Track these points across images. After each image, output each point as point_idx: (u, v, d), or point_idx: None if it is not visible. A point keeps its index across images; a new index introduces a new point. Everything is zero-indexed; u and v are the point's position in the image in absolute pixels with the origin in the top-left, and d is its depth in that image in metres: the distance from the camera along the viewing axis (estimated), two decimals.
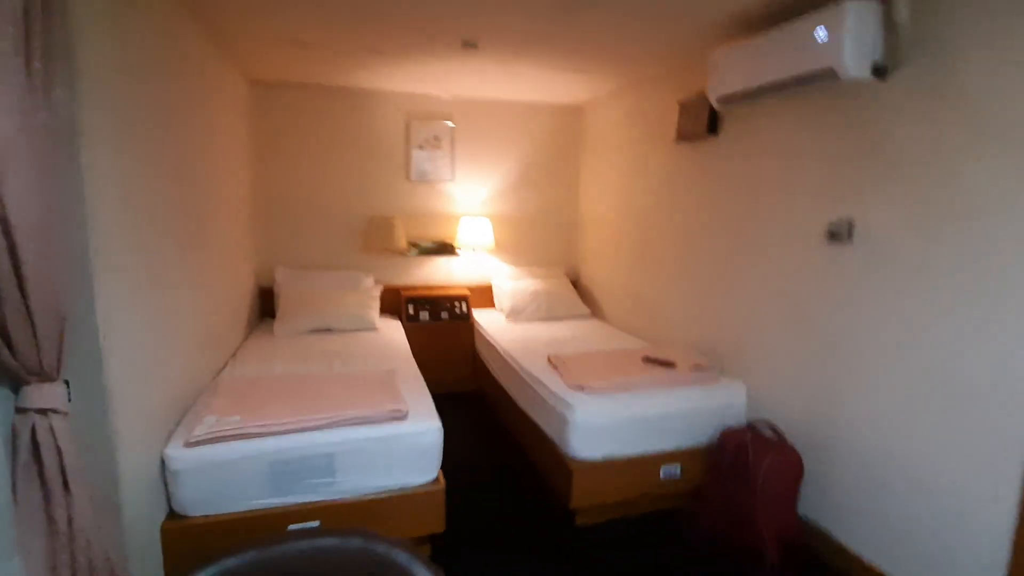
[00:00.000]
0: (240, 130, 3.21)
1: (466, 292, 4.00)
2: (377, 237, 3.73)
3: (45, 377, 1.20)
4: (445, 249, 4.06)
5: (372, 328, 3.44)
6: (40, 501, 1.24)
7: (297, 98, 3.62)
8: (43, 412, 1.21)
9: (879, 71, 1.83)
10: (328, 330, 3.36)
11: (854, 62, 1.79)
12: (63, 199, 1.26)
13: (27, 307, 1.10)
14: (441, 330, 3.81)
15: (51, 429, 1.22)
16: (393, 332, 3.43)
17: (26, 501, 1.22)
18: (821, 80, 1.90)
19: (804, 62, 1.92)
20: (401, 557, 1.05)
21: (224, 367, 2.62)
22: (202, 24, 2.39)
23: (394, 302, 3.94)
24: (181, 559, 1.76)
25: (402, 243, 3.79)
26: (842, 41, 1.77)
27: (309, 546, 1.05)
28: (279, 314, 3.35)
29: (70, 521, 1.26)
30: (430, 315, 3.80)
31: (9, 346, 1.11)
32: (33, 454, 1.22)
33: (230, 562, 1.00)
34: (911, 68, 1.80)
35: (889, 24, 1.78)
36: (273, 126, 3.61)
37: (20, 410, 1.20)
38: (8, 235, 1.04)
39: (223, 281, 2.76)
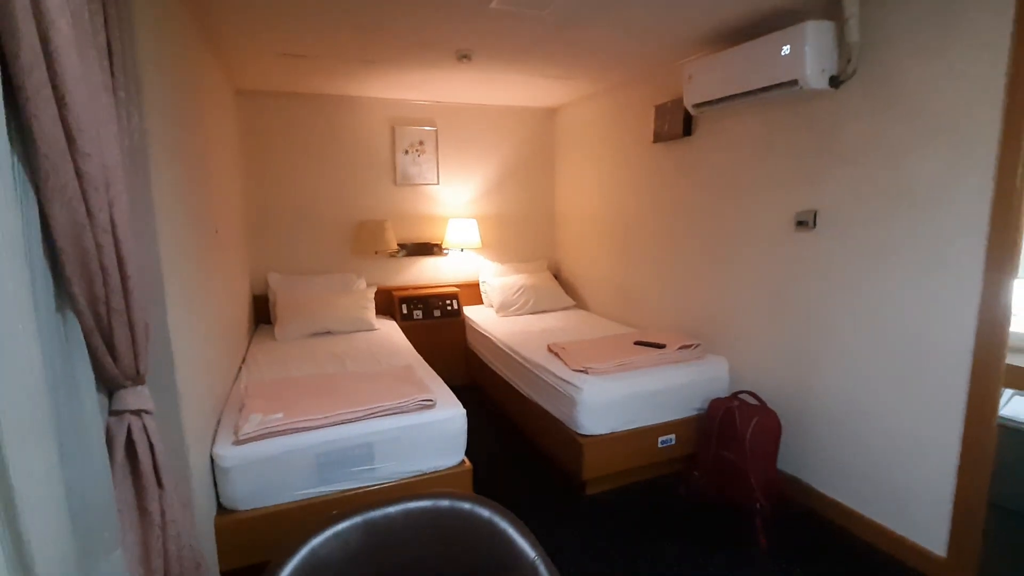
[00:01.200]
0: (231, 139, 3.25)
1: (456, 290, 4.16)
2: (369, 240, 3.83)
3: (138, 380, 1.31)
4: (433, 249, 4.20)
5: (371, 328, 3.55)
6: (133, 497, 1.35)
7: (282, 106, 3.68)
8: (137, 413, 1.31)
9: (834, 81, 2.14)
10: (328, 333, 3.45)
11: (814, 74, 2.09)
12: (140, 215, 1.36)
13: (129, 317, 1.21)
14: (434, 327, 3.96)
15: (144, 428, 1.33)
16: (391, 331, 3.56)
17: (121, 497, 1.32)
18: (785, 89, 2.19)
19: (771, 74, 2.20)
20: (484, 512, 1.23)
21: (239, 372, 2.69)
22: (205, 39, 2.45)
23: (386, 302, 4.05)
24: (233, 551, 1.87)
25: (393, 245, 3.91)
26: (804, 56, 2.06)
27: (405, 508, 1.22)
28: (278, 319, 3.41)
29: (163, 514, 1.37)
30: (423, 314, 3.95)
31: (112, 353, 1.22)
32: (127, 453, 1.32)
33: (341, 525, 1.16)
34: (860, 78, 2.12)
35: (841, 41, 2.09)
36: (259, 134, 3.65)
37: (115, 412, 1.30)
38: (119, 251, 1.15)
39: (232, 288, 2.82)
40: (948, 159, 1.87)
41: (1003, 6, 1.69)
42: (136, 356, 1.27)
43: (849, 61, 2.08)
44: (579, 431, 2.50)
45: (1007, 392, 2.52)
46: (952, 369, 1.91)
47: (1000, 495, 2.14)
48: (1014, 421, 2.35)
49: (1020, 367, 2.33)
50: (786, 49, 2.12)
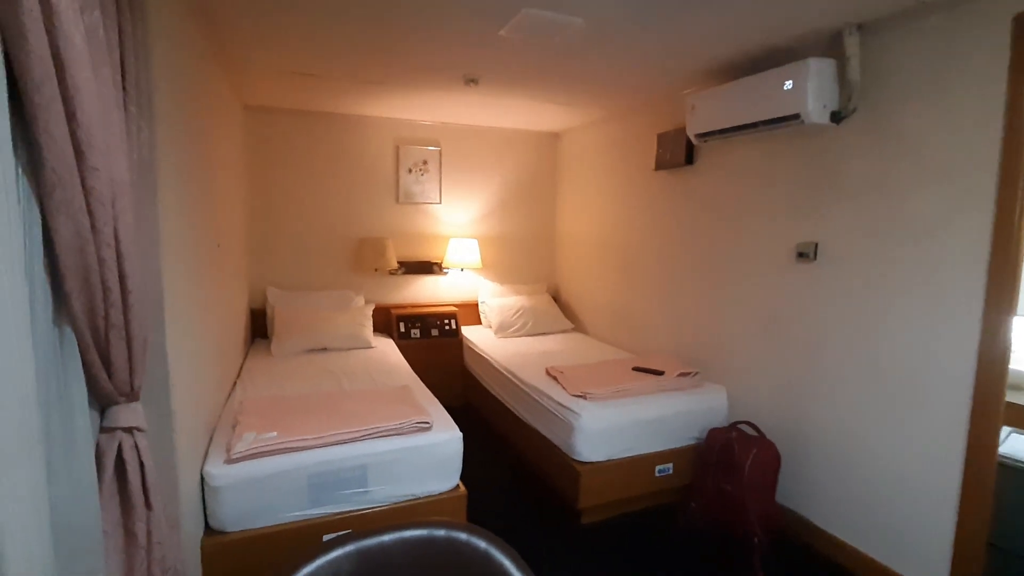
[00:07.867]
0: (237, 153, 3.27)
1: (454, 310, 4.15)
2: (369, 257, 3.83)
3: (133, 397, 1.28)
4: (432, 268, 4.20)
5: (368, 346, 3.52)
6: (119, 518, 1.31)
7: (288, 123, 3.71)
8: (128, 431, 1.29)
9: (835, 116, 2.17)
10: (325, 349, 3.42)
11: (816, 109, 2.12)
12: (144, 230, 1.35)
13: (128, 332, 1.20)
14: (432, 347, 3.94)
15: (136, 446, 1.30)
16: (388, 350, 3.53)
17: (108, 518, 1.28)
18: (787, 123, 2.22)
19: (773, 108, 2.23)
20: (480, 544, 1.20)
21: (234, 387, 2.65)
22: (215, 54, 2.48)
23: (384, 320, 4.03)
24: (219, 574, 1.81)
25: (393, 263, 3.91)
26: (806, 91, 2.10)
27: (400, 536, 1.19)
28: (275, 335, 3.38)
29: (149, 536, 1.33)
30: (421, 333, 3.92)
31: (108, 369, 1.20)
32: (116, 472, 1.29)
33: (334, 553, 1.13)
34: (860, 115, 2.15)
35: (843, 79, 2.12)
36: (265, 149, 3.68)
37: (106, 429, 1.27)
38: (121, 266, 1.14)
39: (231, 302, 2.80)
40: (947, 197, 1.89)
41: (999, 48, 1.72)
42: (132, 372, 1.25)
43: (850, 99, 2.12)
44: (576, 457, 2.46)
45: (1005, 429, 2.50)
46: (952, 405, 1.90)
47: (998, 535, 2.11)
48: (1012, 459, 2.32)
49: (1018, 404, 2.32)
50: (789, 84, 2.15)
